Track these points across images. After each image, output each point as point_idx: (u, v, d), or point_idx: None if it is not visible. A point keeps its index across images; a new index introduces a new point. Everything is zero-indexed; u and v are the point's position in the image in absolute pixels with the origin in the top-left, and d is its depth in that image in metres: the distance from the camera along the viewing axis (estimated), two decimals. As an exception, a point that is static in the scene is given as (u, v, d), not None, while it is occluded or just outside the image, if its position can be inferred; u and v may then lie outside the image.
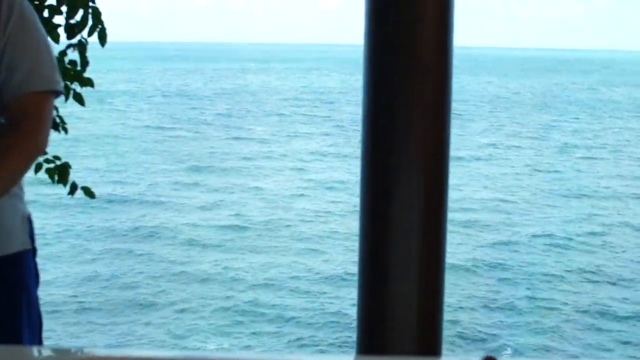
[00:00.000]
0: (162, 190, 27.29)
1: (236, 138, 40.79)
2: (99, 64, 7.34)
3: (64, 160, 5.67)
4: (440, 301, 1.62)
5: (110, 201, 24.56)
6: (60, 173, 5.57)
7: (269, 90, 69.67)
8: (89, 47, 5.30)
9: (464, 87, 70.34)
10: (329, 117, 50.76)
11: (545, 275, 18.58)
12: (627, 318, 15.98)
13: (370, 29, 1.58)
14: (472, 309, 16.01)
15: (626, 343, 14.85)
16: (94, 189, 5.86)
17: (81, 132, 34.05)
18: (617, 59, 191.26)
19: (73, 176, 5.74)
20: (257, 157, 34.99)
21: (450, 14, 1.60)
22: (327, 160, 34.30)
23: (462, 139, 36.98)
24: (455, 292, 15.92)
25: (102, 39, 5.14)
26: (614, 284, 18.16)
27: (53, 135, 3.67)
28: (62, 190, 5.75)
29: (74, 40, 5.20)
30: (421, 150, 1.58)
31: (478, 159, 34.46)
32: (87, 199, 5.86)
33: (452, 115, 1.68)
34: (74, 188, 5.71)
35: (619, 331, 15.38)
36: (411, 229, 1.58)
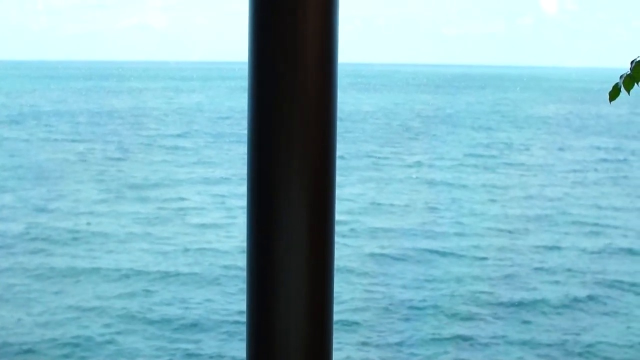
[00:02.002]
0: None
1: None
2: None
3: None
4: (330, 309, 1.61)
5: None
6: None
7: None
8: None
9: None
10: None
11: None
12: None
13: (254, 47, 1.59)
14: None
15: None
16: None
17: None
18: (524, 74, 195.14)
19: None
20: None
21: (334, 32, 1.60)
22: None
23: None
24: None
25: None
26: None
27: None
28: None
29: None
30: (307, 161, 1.59)
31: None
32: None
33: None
34: None
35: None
36: (299, 241, 1.59)
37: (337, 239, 1.78)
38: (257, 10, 1.61)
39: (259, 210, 1.62)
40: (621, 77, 4.13)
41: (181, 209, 28.61)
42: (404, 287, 19.77)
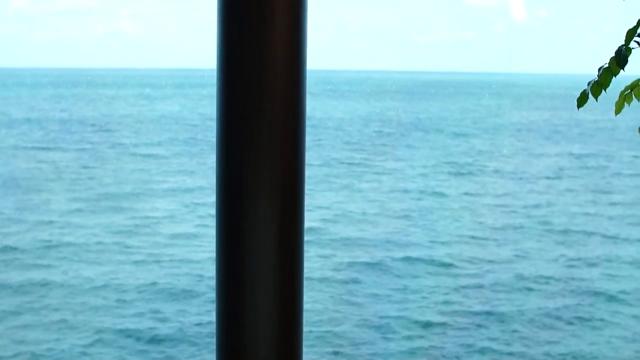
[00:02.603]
0: None
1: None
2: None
3: None
4: (299, 315, 1.62)
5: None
6: None
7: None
8: None
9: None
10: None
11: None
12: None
13: (222, 55, 1.59)
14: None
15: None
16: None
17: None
18: (496, 81, 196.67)
19: None
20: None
21: (303, 39, 1.60)
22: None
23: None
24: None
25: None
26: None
27: None
28: None
29: None
30: (275, 169, 1.59)
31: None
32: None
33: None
34: None
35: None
36: (268, 249, 1.59)
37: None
38: (226, 18, 1.61)
39: (227, 218, 1.62)
40: (589, 83, 4.17)
41: (154, 218, 28.52)
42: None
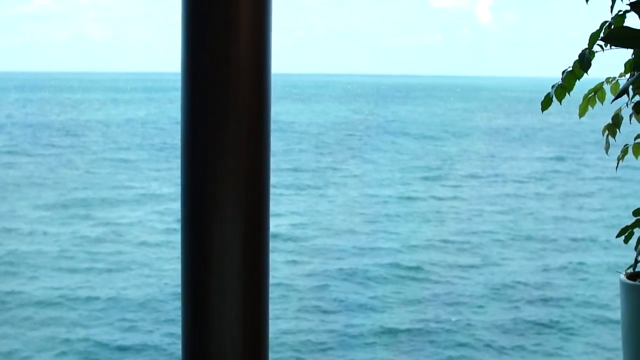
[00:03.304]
0: None
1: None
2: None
3: None
4: (265, 320, 1.62)
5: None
6: None
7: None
8: None
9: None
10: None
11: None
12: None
13: (187, 59, 1.59)
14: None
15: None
16: None
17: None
18: (463, 84, 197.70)
19: None
20: None
21: (267, 44, 1.59)
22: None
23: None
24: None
25: None
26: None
27: None
28: None
29: None
30: (241, 173, 1.58)
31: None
32: None
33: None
34: None
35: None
36: (234, 250, 1.58)
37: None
38: (190, 22, 1.62)
39: (192, 223, 1.62)
40: (553, 86, 4.21)
41: (124, 224, 28.30)
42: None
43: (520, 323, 17.93)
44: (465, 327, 17.57)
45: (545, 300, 19.55)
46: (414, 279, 21.63)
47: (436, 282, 21.24)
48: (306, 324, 17.85)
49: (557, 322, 18.09)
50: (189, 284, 1.62)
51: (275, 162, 39.16)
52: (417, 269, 22.47)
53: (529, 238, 26.39)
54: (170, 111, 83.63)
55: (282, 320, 17.95)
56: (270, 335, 1.59)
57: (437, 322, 17.90)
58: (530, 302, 19.59)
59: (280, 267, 22.26)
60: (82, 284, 21.58)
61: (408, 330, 17.50)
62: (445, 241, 25.63)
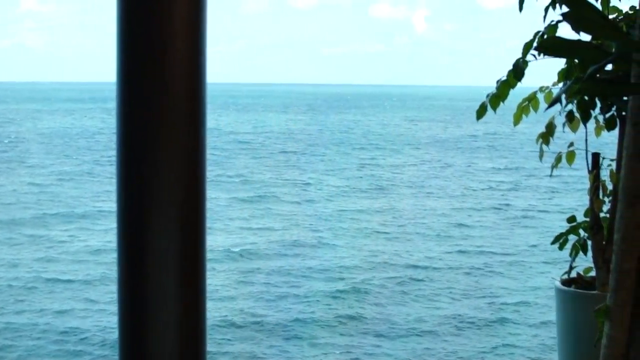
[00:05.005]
0: None
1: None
2: None
3: None
4: (203, 327, 1.63)
5: None
6: None
7: None
8: None
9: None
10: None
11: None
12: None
13: (121, 67, 1.58)
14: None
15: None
16: None
17: None
18: (403, 93, 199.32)
19: None
20: None
21: (202, 52, 1.59)
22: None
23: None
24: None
25: None
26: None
27: None
28: None
29: None
30: (178, 186, 1.58)
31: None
32: None
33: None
34: None
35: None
36: (170, 260, 1.57)
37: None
38: (124, 30, 1.60)
39: (129, 233, 1.62)
40: (487, 96, 4.28)
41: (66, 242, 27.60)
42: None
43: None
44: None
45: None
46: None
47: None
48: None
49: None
50: (125, 293, 1.62)
51: (211, 174, 38.92)
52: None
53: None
54: (106, 121, 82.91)
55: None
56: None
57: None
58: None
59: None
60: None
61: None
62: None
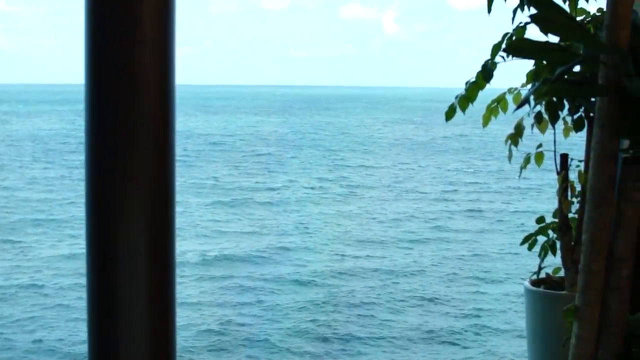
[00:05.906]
0: None
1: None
2: None
3: None
4: (173, 333, 1.61)
5: None
6: None
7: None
8: None
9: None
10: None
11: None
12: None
13: (90, 69, 1.56)
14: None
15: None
16: None
17: None
18: (375, 94, 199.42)
19: None
20: None
21: (171, 54, 1.58)
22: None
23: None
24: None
25: None
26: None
27: None
28: None
29: None
30: (147, 190, 1.56)
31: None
32: None
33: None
34: None
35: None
36: (140, 258, 1.56)
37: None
38: (93, 32, 1.58)
39: (97, 234, 1.60)
40: (456, 97, 4.29)
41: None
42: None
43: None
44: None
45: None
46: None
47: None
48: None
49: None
50: (94, 295, 1.61)
51: (184, 177, 38.75)
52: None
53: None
54: (76, 123, 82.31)
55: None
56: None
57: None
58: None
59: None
60: None
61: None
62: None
